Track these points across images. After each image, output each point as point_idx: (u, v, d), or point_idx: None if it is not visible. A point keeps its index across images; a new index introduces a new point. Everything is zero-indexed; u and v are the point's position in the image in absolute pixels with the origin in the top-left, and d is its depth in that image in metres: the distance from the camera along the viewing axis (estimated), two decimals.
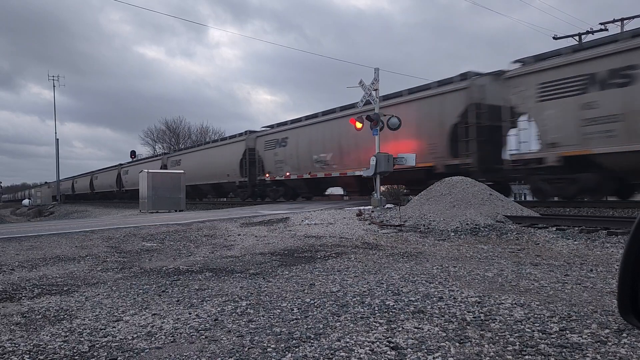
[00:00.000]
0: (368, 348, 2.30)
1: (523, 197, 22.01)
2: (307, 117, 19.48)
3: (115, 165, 41.40)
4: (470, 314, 2.84)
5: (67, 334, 2.69)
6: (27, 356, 2.34)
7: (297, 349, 2.31)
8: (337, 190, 21.02)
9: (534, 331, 2.48)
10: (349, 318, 2.83)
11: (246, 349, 2.34)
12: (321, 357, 2.20)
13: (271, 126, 21.88)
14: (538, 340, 2.35)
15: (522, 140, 11.57)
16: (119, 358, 2.28)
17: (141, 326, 2.80)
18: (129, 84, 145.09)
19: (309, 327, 2.68)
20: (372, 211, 10.73)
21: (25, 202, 55.98)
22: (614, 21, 25.64)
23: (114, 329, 2.77)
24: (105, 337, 2.61)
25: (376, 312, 2.94)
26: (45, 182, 63.66)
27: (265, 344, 2.40)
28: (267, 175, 20.96)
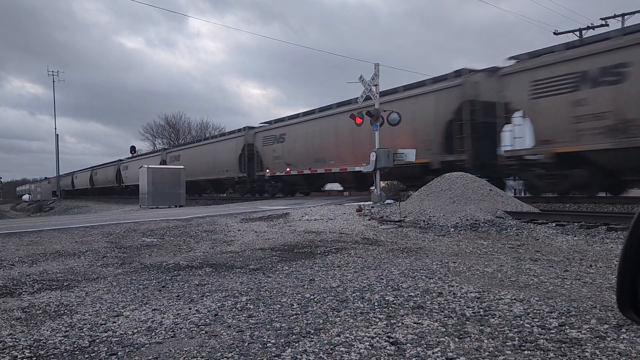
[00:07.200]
0: (368, 343, 2.30)
1: (523, 193, 21.99)
2: (305, 114, 20.58)
3: (115, 161, 41.93)
4: (470, 309, 2.85)
5: (68, 329, 2.70)
6: (28, 351, 2.35)
7: (297, 344, 2.32)
8: (336, 186, 21.98)
9: (533, 326, 2.49)
10: (349, 313, 2.83)
11: (246, 344, 2.35)
12: (321, 352, 2.20)
13: (269, 122, 23.15)
14: (537, 335, 2.35)
15: (517, 136, 11.81)
16: (119, 353, 2.29)
17: (141, 321, 2.81)
18: (113, 76, 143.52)
19: (308, 322, 2.69)
20: (372, 207, 10.74)
21: (25, 197, 56.01)
22: (614, 16, 25.56)
23: (114, 324, 2.77)
24: (106, 332, 2.62)
25: (376, 307, 2.95)
26: (45, 178, 63.63)
27: (265, 339, 2.41)
28: (267, 170, 21.76)
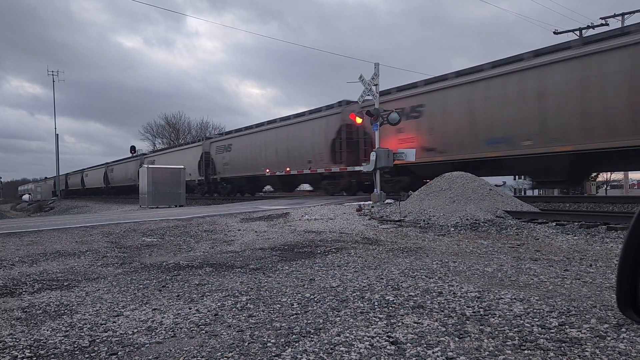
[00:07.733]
0: (368, 343, 2.30)
1: (523, 192, 22.01)
2: (458, 74, 13.57)
3: (137, 156, 36.06)
4: (470, 309, 2.85)
5: (68, 329, 2.70)
6: (28, 351, 2.35)
7: (297, 344, 2.32)
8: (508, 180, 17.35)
9: (533, 326, 2.49)
10: (349, 313, 2.83)
11: (246, 344, 2.35)
12: (321, 352, 2.20)
13: (387, 92, 15.46)
14: (537, 335, 2.36)
15: None
16: (120, 353, 2.29)
17: (141, 321, 2.81)
18: (112, 75, 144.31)
19: (308, 322, 2.69)
20: (372, 206, 10.74)
21: (25, 197, 55.94)
22: (614, 16, 25.57)
23: (114, 324, 2.77)
24: (106, 332, 2.62)
25: (376, 307, 2.95)
26: (45, 178, 63.46)
27: (265, 339, 2.41)
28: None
